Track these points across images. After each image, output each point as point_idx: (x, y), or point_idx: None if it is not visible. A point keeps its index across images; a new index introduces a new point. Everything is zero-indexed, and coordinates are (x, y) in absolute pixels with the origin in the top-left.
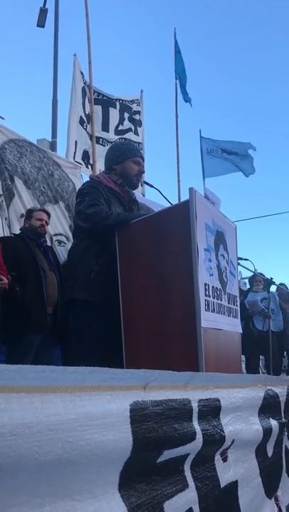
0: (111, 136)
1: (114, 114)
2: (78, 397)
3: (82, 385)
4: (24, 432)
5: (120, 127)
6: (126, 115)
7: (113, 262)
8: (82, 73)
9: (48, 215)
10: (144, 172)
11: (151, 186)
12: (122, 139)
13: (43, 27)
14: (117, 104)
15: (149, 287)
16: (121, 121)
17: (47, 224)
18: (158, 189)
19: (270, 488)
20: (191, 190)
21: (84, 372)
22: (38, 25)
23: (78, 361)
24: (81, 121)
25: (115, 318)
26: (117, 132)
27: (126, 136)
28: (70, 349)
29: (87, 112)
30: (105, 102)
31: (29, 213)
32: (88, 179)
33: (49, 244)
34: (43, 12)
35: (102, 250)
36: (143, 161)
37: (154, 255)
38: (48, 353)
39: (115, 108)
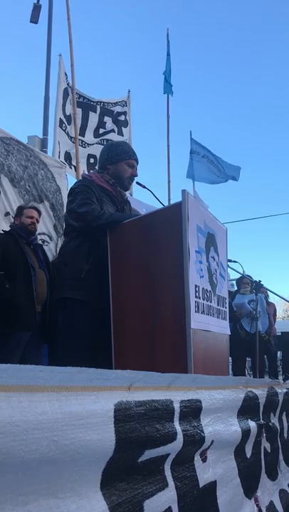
0: (89, 139)
1: (93, 119)
2: (65, 397)
3: (69, 385)
4: (11, 431)
5: (101, 130)
6: (107, 118)
7: (104, 261)
8: (66, 74)
9: (39, 212)
10: (136, 176)
11: (144, 187)
12: (103, 140)
13: (37, 23)
14: (98, 107)
15: (139, 287)
16: (101, 124)
17: (37, 222)
18: (150, 190)
19: (250, 489)
20: (184, 192)
21: (71, 372)
22: (31, 21)
23: (66, 360)
24: (60, 123)
25: (105, 317)
26: (97, 135)
27: (107, 137)
28: (59, 348)
29: (68, 113)
30: (86, 106)
31: (20, 210)
32: (71, 179)
33: None
34: (37, 8)
35: (93, 249)
36: (137, 164)
37: (146, 256)
38: (36, 351)
39: (95, 112)
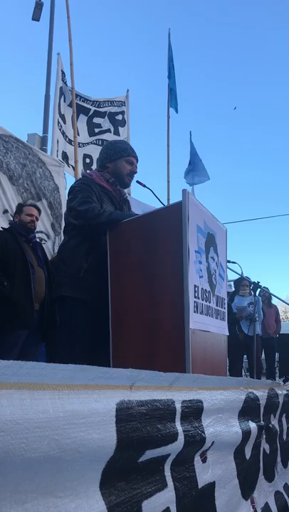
0: (84, 138)
1: (83, 120)
2: (66, 395)
3: (71, 383)
4: (12, 429)
5: (96, 129)
6: (97, 119)
7: (103, 260)
8: (63, 73)
9: (39, 210)
10: (136, 172)
11: (144, 186)
12: (98, 140)
13: (38, 20)
14: (92, 109)
15: (138, 287)
16: (94, 125)
17: (37, 220)
18: (151, 189)
19: (247, 490)
20: (184, 191)
21: (73, 370)
22: (33, 19)
23: (64, 359)
24: (57, 122)
25: (103, 316)
26: (92, 134)
27: (103, 137)
28: (57, 346)
29: (62, 113)
30: (80, 108)
31: (19, 208)
32: (69, 178)
33: None
34: (39, 5)
35: (92, 248)
36: (137, 161)
37: (145, 255)
38: (34, 349)
39: (86, 115)
